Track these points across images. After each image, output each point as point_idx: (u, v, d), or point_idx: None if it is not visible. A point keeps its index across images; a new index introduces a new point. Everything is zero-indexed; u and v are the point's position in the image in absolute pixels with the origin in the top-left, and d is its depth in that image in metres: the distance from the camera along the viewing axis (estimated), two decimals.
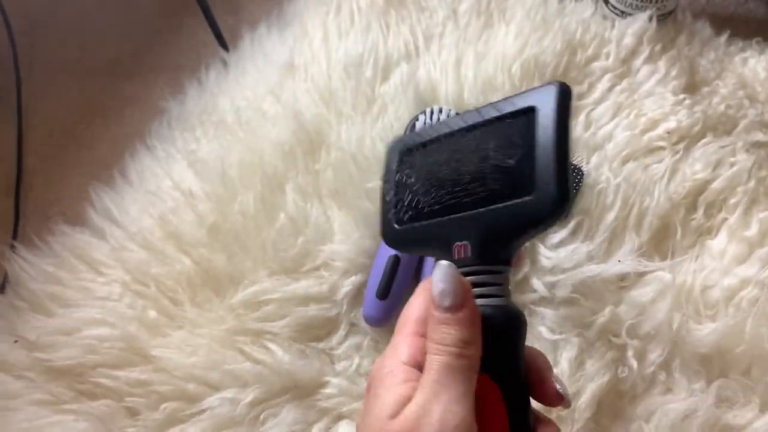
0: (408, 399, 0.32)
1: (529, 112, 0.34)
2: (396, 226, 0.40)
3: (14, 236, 0.73)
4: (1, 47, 0.84)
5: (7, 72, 0.83)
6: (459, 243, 0.36)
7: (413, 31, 0.77)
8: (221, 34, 0.83)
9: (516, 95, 0.36)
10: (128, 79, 0.86)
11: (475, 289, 0.35)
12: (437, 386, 0.32)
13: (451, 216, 0.36)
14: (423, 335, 0.35)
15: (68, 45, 0.90)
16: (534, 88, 0.35)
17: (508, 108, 0.35)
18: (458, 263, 0.35)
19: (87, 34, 0.92)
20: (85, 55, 0.89)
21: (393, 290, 0.62)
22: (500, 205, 0.34)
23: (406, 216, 0.39)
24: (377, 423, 0.32)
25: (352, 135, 0.69)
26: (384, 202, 0.41)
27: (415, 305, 0.37)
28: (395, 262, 0.62)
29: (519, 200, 0.33)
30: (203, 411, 0.58)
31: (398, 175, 0.41)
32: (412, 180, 0.39)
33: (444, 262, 0.34)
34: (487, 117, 0.36)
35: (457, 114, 0.41)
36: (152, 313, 0.63)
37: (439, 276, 0.33)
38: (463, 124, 0.37)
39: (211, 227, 0.66)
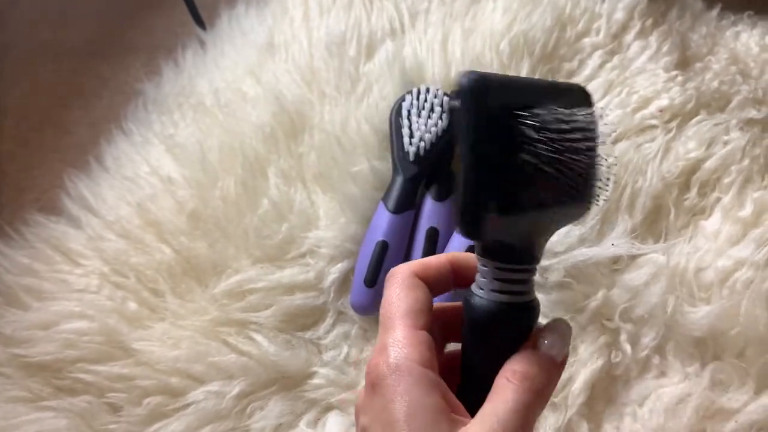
0: (442, 408, 0.30)
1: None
2: (494, 215, 0.32)
3: None
4: None
5: None
6: (539, 239, 0.34)
7: (398, 8, 0.75)
8: (198, 12, 0.81)
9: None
10: (104, 60, 0.84)
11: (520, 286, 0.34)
12: (512, 420, 0.30)
13: (547, 209, 0.32)
14: (418, 328, 0.33)
15: (41, 25, 0.87)
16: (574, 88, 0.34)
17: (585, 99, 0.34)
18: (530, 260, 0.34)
19: (60, 13, 0.89)
20: (59, 35, 0.86)
21: (381, 277, 0.60)
22: (568, 205, 0.32)
23: (524, 203, 0.32)
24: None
25: (335, 116, 0.67)
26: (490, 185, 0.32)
27: (401, 295, 0.34)
28: (383, 247, 0.61)
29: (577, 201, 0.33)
30: (188, 405, 0.57)
31: (504, 152, 0.31)
32: (523, 160, 0.31)
33: (560, 320, 0.34)
34: (577, 114, 0.32)
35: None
36: (132, 305, 0.61)
37: (559, 327, 0.34)
38: (563, 110, 0.32)
39: (192, 214, 0.64)
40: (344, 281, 0.63)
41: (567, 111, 0.31)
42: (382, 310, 0.34)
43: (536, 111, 0.30)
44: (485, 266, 0.33)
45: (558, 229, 0.35)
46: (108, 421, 0.57)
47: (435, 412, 0.30)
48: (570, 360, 0.58)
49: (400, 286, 0.34)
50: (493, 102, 0.30)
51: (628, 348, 0.58)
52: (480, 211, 0.30)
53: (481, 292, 0.33)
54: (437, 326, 0.36)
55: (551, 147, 0.30)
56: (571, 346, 0.57)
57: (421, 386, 0.30)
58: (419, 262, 0.36)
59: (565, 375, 0.57)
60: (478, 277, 0.34)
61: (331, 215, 0.64)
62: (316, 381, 0.59)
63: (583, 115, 0.31)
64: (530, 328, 0.34)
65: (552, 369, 0.32)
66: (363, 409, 0.32)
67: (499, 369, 0.32)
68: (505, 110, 0.30)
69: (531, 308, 0.34)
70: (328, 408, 0.59)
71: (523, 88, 0.32)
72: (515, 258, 0.33)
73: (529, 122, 0.30)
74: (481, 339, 0.34)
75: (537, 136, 0.30)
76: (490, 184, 0.30)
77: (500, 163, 0.30)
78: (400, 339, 0.32)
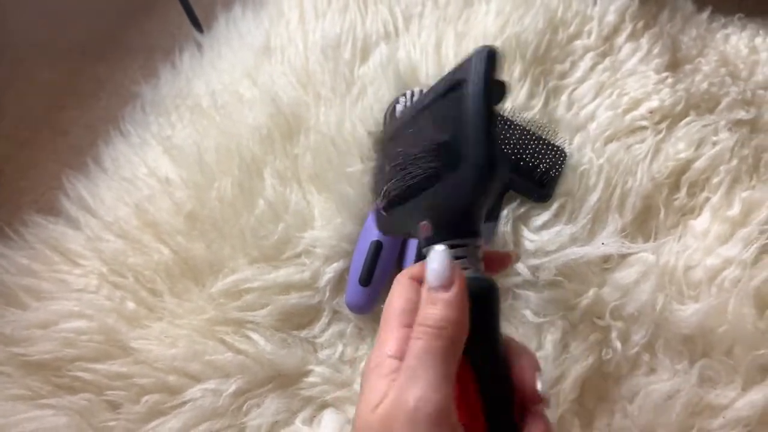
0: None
1: (460, 84, 0.35)
2: (383, 213, 0.41)
3: None
4: None
5: None
6: (422, 222, 0.37)
7: (392, 11, 0.76)
8: (195, 15, 0.81)
9: (453, 69, 0.37)
10: (101, 61, 0.84)
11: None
12: (414, 371, 0.31)
13: (412, 198, 0.38)
14: (409, 326, 0.35)
15: (38, 27, 0.88)
16: (465, 59, 0.35)
17: (443, 85, 0.37)
18: (425, 242, 0.37)
19: (57, 15, 0.89)
20: (56, 36, 0.87)
21: (376, 276, 0.61)
22: (442, 180, 0.36)
23: (386, 202, 0.40)
24: (362, 416, 0.32)
25: (331, 118, 0.68)
26: (375, 192, 0.42)
27: (397, 297, 0.37)
28: (377, 247, 0.61)
29: (454, 173, 0.35)
30: (185, 403, 0.58)
31: (378, 164, 0.42)
32: (386, 168, 0.40)
33: (438, 247, 0.35)
34: (429, 98, 0.37)
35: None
36: (131, 305, 0.61)
37: (431, 258, 0.34)
38: (414, 108, 0.39)
39: (189, 215, 0.64)
40: (339, 280, 0.63)
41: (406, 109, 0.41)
42: (383, 312, 0.37)
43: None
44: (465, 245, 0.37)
45: (473, 197, 0.36)
46: (107, 418, 0.57)
47: (380, 388, 0.33)
48: (561, 357, 0.59)
49: (398, 289, 0.37)
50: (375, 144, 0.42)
51: (618, 345, 0.59)
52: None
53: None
54: None
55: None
56: (562, 344, 0.59)
57: (381, 371, 0.34)
58: (419, 266, 0.38)
59: (556, 372, 0.58)
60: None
61: (327, 215, 0.64)
62: (311, 379, 0.60)
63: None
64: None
65: (441, 300, 0.33)
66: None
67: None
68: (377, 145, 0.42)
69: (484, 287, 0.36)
70: (324, 405, 0.59)
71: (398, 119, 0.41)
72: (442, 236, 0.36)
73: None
74: None
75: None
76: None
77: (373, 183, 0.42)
78: (383, 336, 0.36)
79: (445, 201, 0.36)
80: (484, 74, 0.33)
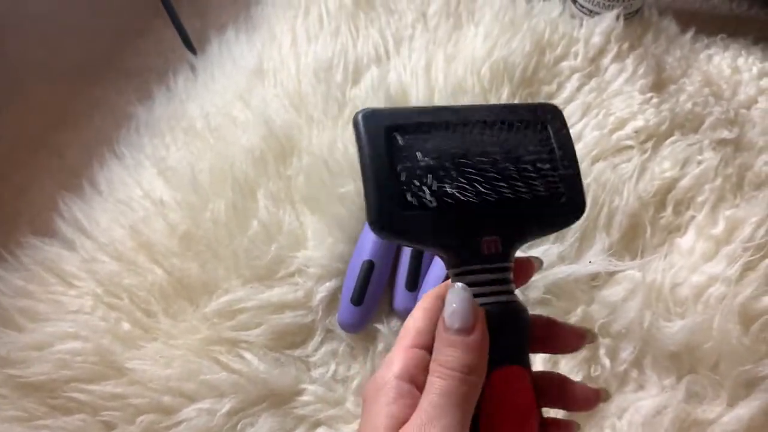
0: (400, 419, 0.32)
1: (543, 124, 0.37)
2: (411, 211, 0.35)
3: None
4: None
5: None
6: (489, 238, 0.35)
7: (383, 35, 0.77)
8: (189, 38, 0.82)
9: (520, 105, 0.39)
10: (96, 83, 0.85)
11: (494, 287, 0.35)
12: (436, 411, 0.31)
13: (493, 206, 0.35)
14: (421, 347, 0.34)
15: (34, 48, 0.88)
16: (534, 104, 0.39)
17: (525, 116, 0.38)
18: (485, 258, 0.35)
19: (53, 36, 0.90)
20: (52, 58, 0.87)
21: (367, 296, 0.62)
22: (539, 205, 0.36)
23: (429, 199, 0.35)
24: None
25: (323, 140, 0.69)
26: (377, 183, 0.34)
27: (416, 316, 0.36)
28: (369, 267, 0.62)
29: (556, 204, 0.36)
30: (180, 423, 0.58)
31: (404, 152, 0.35)
32: (434, 160, 0.35)
33: (459, 285, 0.33)
34: (502, 118, 0.37)
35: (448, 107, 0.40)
36: (125, 326, 0.62)
37: (452, 297, 0.33)
38: (475, 118, 0.37)
39: (183, 236, 0.65)
40: (332, 300, 0.64)
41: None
42: (403, 326, 0.37)
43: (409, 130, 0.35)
44: (465, 273, 0.35)
45: (554, 231, 0.40)
46: None
47: (389, 418, 0.32)
48: None
49: (420, 307, 0.36)
50: (370, 127, 0.35)
51: (607, 362, 0.60)
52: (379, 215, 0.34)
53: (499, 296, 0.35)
54: None
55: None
56: (552, 361, 0.60)
57: (388, 396, 0.33)
58: (443, 286, 0.37)
59: None
60: (485, 288, 0.35)
61: (319, 236, 0.65)
62: (304, 398, 0.60)
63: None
64: (528, 327, 0.36)
65: (457, 344, 0.32)
66: None
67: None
68: (376, 130, 0.35)
69: (521, 307, 0.36)
70: (317, 424, 0.60)
71: (411, 114, 0.37)
72: (460, 261, 0.35)
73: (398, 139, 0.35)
74: (499, 344, 0.35)
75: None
76: (373, 193, 0.34)
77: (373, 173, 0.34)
78: (392, 356, 0.35)
79: (529, 225, 0.36)
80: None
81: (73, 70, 0.87)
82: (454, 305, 0.32)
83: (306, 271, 0.64)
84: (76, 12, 0.92)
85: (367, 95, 0.71)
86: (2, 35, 0.89)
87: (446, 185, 0.35)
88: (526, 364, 0.35)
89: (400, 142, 0.35)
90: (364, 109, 0.36)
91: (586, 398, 0.38)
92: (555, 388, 0.38)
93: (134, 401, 0.59)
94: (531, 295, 0.62)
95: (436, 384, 0.31)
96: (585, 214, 0.63)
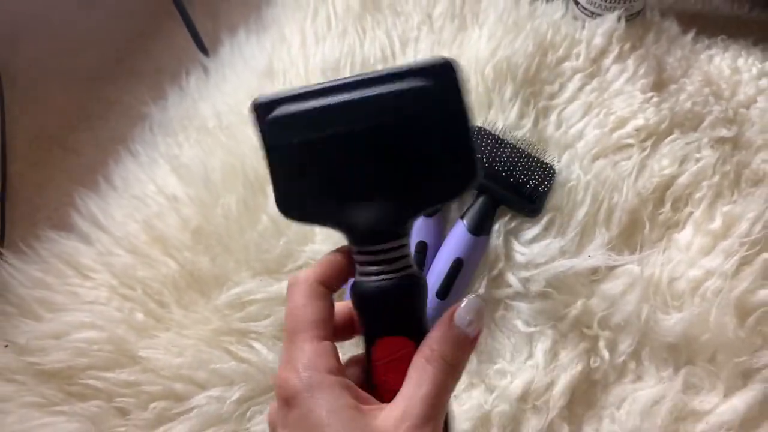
0: (354, 405, 0.33)
1: (426, 89, 0.35)
2: (300, 198, 0.37)
3: (1, 243, 0.74)
4: None
5: None
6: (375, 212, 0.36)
7: (389, 36, 0.79)
8: (201, 39, 0.85)
9: (407, 69, 0.35)
10: (111, 84, 0.88)
11: (384, 266, 0.36)
12: (433, 400, 0.33)
13: (364, 192, 0.36)
14: (326, 338, 0.35)
15: (51, 51, 0.91)
16: (421, 63, 0.35)
17: (405, 84, 0.35)
18: (368, 241, 0.36)
19: (69, 40, 0.92)
20: (68, 60, 0.90)
21: None
22: (411, 181, 0.36)
23: (309, 189, 0.37)
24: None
25: None
26: (284, 172, 0.37)
27: (306, 310, 0.35)
28: None
29: (439, 176, 0.36)
30: (191, 409, 0.60)
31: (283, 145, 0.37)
32: (305, 151, 0.36)
33: (474, 297, 0.35)
34: (386, 89, 0.35)
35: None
36: (140, 316, 0.64)
37: (470, 306, 0.35)
38: (357, 95, 0.35)
39: (195, 230, 0.67)
40: (339, 292, 0.66)
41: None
42: (286, 321, 0.36)
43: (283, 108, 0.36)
44: (355, 254, 0.37)
45: (448, 202, 0.39)
46: (116, 424, 0.60)
47: (351, 409, 0.32)
48: (551, 366, 0.61)
49: (304, 296, 0.36)
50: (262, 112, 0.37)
51: (606, 354, 0.61)
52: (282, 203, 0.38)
53: (361, 278, 0.36)
54: (339, 326, 0.39)
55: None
56: (552, 353, 0.62)
57: (333, 392, 0.33)
58: (319, 266, 0.37)
59: (547, 379, 0.60)
60: (357, 267, 0.37)
61: (326, 231, 0.67)
62: None
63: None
64: (414, 300, 0.37)
65: (466, 346, 0.35)
66: (281, 423, 0.34)
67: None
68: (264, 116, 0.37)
69: (409, 283, 0.36)
70: None
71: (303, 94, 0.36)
72: (367, 240, 0.36)
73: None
74: (375, 320, 0.37)
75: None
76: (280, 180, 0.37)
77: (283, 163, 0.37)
78: (308, 353, 0.34)
79: (420, 198, 0.36)
80: (462, 84, 0.36)
81: (89, 73, 0.89)
82: (473, 315, 0.35)
83: (313, 264, 0.66)
84: (90, 16, 0.95)
85: None
86: (20, 39, 0.92)
87: (318, 176, 0.36)
88: (411, 332, 0.36)
89: (276, 135, 0.37)
90: (257, 99, 0.37)
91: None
92: None
93: (147, 388, 0.61)
94: (532, 288, 0.64)
95: (432, 375, 0.33)
96: (585, 210, 0.65)
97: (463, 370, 0.35)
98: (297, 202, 0.37)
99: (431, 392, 0.33)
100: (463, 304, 0.35)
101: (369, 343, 0.37)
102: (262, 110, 0.37)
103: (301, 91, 0.36)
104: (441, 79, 0.35)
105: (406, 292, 0.36)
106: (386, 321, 0.36)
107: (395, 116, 0.35)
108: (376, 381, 0.37)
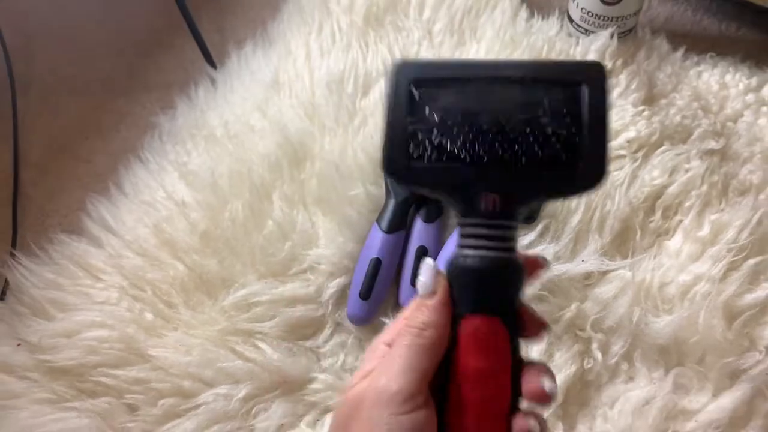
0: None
1: (576, 85, 0.36)
2: (415, 162, 0.37)
3: (13, 245, 0.76)
4: None
5: (3, 89, 0.87)
6: (490, 194, 0.36)
7: (391, 50, 0.82)
8: (209, 52, 0.88)
9: (557, 63, 0.38)
10: (121, 96, 0.90)
11: (485, 241, 0.36)
12: (392, 359, 0.35)
13: (491, 165, 0.36)
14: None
15: (63, 63, 0.94)
16: (575, 62, 0.38)
17: (555, 74, 0.36)
18: (483, 214, 0.36)
19: (81, 52, 0.95)
20: (80, 72, 0.93)
21: (375, 291, 0.66)
22: (547, 168, 0.36)
23: (430, 153, 0.36)
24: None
25: (334, 146, 0.74)
26: (392, 132, 0.37)
27: (387, 332, 0.39)
28: (377, 264, 0.67)
29: (567, 169, 0.36)
30: (199, 406, 0.62)
31: (417, 106, 0.37)
32: (441, 116, 0.36)
33: (429, 261, 0.38)
34: (532, 76, 0.36)
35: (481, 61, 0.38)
36: (149, 316, 0.66)
37: (422, 270, 0.38)
38: (502, 74, 0.37)
39: (203, 234, 0.70)
40: (341, 295, 0.68)
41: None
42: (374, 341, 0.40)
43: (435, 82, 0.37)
44: (465, 225, 0.37)
45: (569, 196, 0.37)
46: (126, 420, 0.62)
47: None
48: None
49: (394, 324, 0.39)
50: (400, 79, 0.37)
51: (599, 355, 0.63)
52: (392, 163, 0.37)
53: (466, 252, 0.37)
54: None
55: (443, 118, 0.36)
56: (547, 354, 0.64)
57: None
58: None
59: None
60: (460, 239, 0.37)
61: (330, 235, 0.70)
62: (315, 386, 0.64)
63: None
64: (512, 281, 0.36)
65: (424, 306, 0.37)
66: None
67: None
68: (404, 81, 0.37)
69: (513, 264, 0.36)
70: (326, 410, 0.64)
71: (438, 69, 0.37)
72: (461, 213, 0.37)
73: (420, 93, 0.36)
74: (468, 295, 0.37)
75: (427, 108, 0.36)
76: (389, 141, 0.37)
77: (390, 121, 0.37)
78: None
79: (537, 187, 0.36)
80: (608, 88, 0.36)
81: (100, 85, 0.92)
82: (422, 277, 0.37)
83: (317, 268, 0.68)
84: (102, 30, 0.98)
85: (376, 105, 0.76)
86: (34, 52, 0.95)
87: (446, 142, 0.36)
88: (502, 314, 0.36)
89: (416, 96, 0.36)
90: (398, 60, 0.37)
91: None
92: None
93: (156, 385, 0.63)
94: (528, 291, 0.66)
95: (398, 341, 0.36)
96: (579, 217, 0.68)
97: (429, 326, 0.36)
98: (431, 166, 0.36)
99: (398, 351, 0.35)
100: (419, 273, 0.38)
101: (456, 321, 0.37)
102: (408, 71, 0.37)
103: (450, 62, 0.38)
104: (592, 78, 0.36)
105: (508, 272, 0.36)
106: (480, 297, 0.37)
107: (545, 101, 0.36)
108: (459, 359, 0.36)
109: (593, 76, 0.36)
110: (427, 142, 0.36)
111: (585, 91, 0.35)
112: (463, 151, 0.36)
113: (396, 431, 0.34)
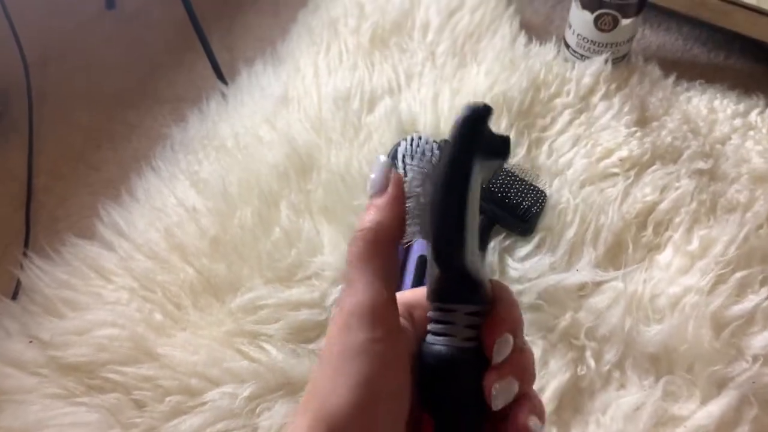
0: None
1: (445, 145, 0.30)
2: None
3: (26, 248, 0.78)
4: (17, 77, 0.90)
5: (21, 100, 0.90)
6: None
7: (395, 70, 0.86)
8: (220, 68, 0.91)
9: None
10: (134, 109, 0.93)
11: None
12: (350, 281, 0.32)
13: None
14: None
15: (78, 76, 0.97)
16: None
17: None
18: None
19: (95, 67, 0.99)
20: (94, 86, 0.96)
21: None
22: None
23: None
24: None
25: (340, 158, 0.77)
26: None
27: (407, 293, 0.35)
28: None
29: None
30: (205, 404, 0.63)
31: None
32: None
33: (381, 157, 0.34)
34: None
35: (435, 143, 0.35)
36: (158, 316, 0.68)
37: (373, 167, 0.34)
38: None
39: (213, 239, 0.72)
40: None
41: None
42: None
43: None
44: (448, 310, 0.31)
45: None
46: (134, 416, 0.63)
47: None
48: (541, 373, 0.65)
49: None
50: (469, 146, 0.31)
51: (592, 363, 0.65)
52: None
53: (444, 339, 0.31)
54: None
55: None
56: (542, 362, 0.66)
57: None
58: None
59: (536, 386, 0.64)
60: (435, 327, 0.32)
61: (335, 243, 0.72)
62: None
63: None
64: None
65: (373, 205, 0.33)
66: None
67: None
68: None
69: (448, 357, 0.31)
70: None
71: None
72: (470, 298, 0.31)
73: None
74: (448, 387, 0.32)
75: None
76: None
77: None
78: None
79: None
80: (468, 137, 0.30)
81: (114, 97, 0.95)
82: (372, 174, 0.33)
83: (322, 274, 0.71)
84: (116, 46, 1.01)
85: (381, 121, 0.80)
86: (49, 66, 0.98)
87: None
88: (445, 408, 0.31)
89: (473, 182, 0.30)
90: (473, 114, 0.30)
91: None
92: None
93: (164, 383, 0.64)
94: (525, 300, 0.68)
95: (348, 254, 0.33)
96: (574, 231, 0.71)
97: (381, 223, 0.32)
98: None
99: (354, 251, 0.32)
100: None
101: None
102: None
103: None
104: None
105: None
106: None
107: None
108: None
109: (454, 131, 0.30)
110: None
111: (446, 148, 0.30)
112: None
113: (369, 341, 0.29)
